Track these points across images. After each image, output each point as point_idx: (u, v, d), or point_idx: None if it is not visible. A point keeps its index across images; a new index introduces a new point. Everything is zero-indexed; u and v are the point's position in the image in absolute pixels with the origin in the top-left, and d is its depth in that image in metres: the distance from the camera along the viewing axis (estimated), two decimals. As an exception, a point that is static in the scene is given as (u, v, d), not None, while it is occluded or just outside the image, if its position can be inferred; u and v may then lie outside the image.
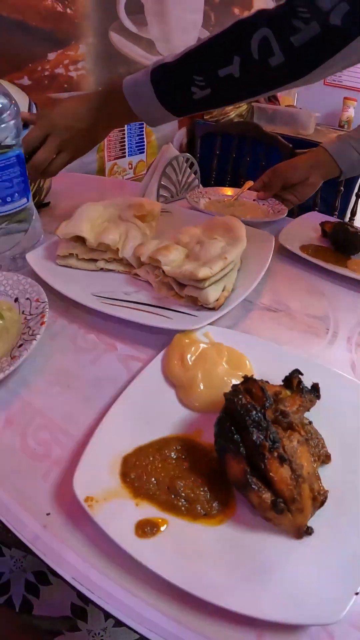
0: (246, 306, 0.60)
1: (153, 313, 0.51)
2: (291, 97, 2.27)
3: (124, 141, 1.52)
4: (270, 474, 0.31)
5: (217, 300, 0.51)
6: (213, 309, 0.51)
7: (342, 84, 2.27)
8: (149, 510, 0.33)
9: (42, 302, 0.52)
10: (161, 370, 0.44)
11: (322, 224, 0.85)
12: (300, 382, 0.39)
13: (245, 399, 0.34)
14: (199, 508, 0.33)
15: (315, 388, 0.40)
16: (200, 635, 0.29)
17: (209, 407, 0.40)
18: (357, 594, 0.29)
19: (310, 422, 0.38)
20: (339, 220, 0.88)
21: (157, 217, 0.72)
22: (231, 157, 1.52)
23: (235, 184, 1.55)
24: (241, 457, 0.32)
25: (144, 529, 0.31)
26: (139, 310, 0.52)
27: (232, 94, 0.62)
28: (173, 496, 0.33)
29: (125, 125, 1.51)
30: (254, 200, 0.96)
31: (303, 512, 0.32)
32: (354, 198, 1.33)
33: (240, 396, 0.34)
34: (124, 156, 1.59)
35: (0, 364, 0.45)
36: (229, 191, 1.00)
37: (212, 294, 0.51)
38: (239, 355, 0.45)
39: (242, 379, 0.38)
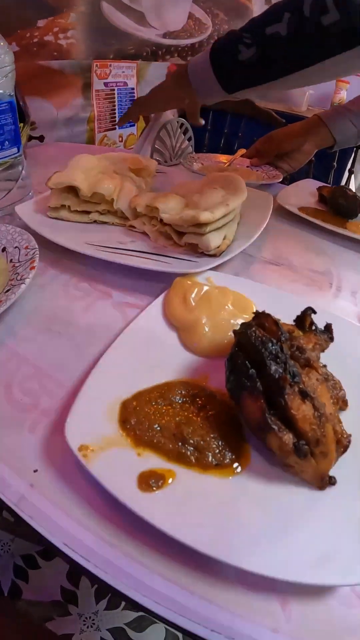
0: (247, 259, 0.54)
1: (151, 259, 0.45)
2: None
3: (115, 112, 1.42)
4: (292, 411, 0.25)
5: (218, 247, 0.45)
6: (214, 255, 0.45)
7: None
8: (153, 461, 0.27)
9: (32, 249, 0.45)
10: (162, 313, 0.37)
11: (320, 189, 0.79)
12: (312, 321, 0.33)
13: (259, 332, 0.28)
14: (210, 457, 0.27)
15: (328, 329, 0.34)
16: (214, 605, 0.24)
17: (214, 351, 0.34)
18: None
19: (324, 366, 0.32)
20: (336, 185, 0.82)
21: (152, 173, 0.64)
22: (224, 133, 1.44)
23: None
24: (258, 394, 0.26)
25: (149, 482, 0.25)
26: (136, 257, 0.45)
27: (280, 58, 0.52)
28: (180, 444, 0.27)
29: (116, 97, 1.41)
30: (247, 166, 0.89)
31: (328, 456, 0.26)
32: (346, 174, 1.27)
33: (253, 329, 0.28)
34: (114, 128, 1.49)
35: (-17, 311, 0.38)
36: (222, 158, 0.93)
37: (214, 240, 0.44)
38: (245, 299, 0.39)
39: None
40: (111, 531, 0.26)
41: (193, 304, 0.36)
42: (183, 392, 0.31)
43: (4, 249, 0.48)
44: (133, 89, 1.46)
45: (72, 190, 0.54)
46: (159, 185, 0.67)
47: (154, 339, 0.35)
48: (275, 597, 0.24)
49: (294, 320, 0.34)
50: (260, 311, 0.30)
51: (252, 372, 0.26)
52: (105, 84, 1.35)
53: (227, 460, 0.27)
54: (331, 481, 0.27)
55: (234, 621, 0.23)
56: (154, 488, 0.25)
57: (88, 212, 0.55)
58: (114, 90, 1.39)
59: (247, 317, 0.37)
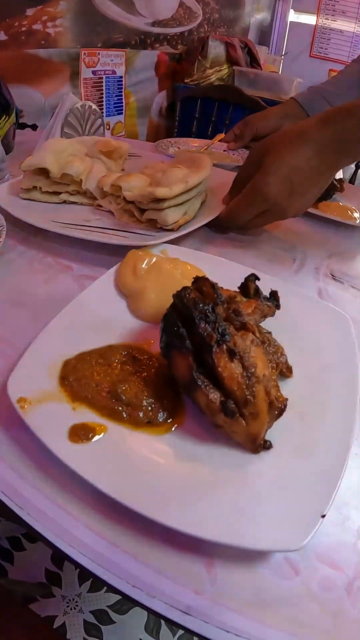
0: (211, 235, 0.54)
1: (111, 235, 0.44)
2: (275, 67, 2.13)
3: (102, 100, 1.40)
4: (219, 369, 0.25)
5: (176, 221, 0.44)
6: (172, 230, 0.44)
7: (327, 56, 2.13)
8: (86, 416, 0.27)
9: (0, 226, 0.45)
10: (113, 283, 0.37)
11: None
12: (257, 288, 0.33)
13: (194, 294, 0.28)
14: (142, 415, 0.27)
15: (273, 296, 0.34)
16: (138, 562, 0.23)
17: (159, 317, 0.34)
18: (323, 516, 0.23)
19: (269, 332, 0.32)
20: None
21: (124, 156, 0.64)
22: (211, 121, 1.42)
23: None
24: (187, 352, 0.26)
25: (79, 434, 0.26)
26: (98, 233, 0.45)
27: None
28: (113, 400, 0.27)
29: (104, 85, 1.39)
30: (224, 150, 0.88)
31: (258, 418, 0.26)
32: (353, 168, 1.26)
33: (188, 291, 0.28)
34: (102, 116, 1.47)
35: None
36: (199, 142, 0.91)
37: (172, 215, 0.44)
38: (195, 269, 0.38)
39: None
40: (42, 479, 0.26)
41: (142, 273, 0.36)
42: (124, 354, 0.31)
43: (-27, 225, 0.48)
44: (121, 77, 1.44)
45: (44, 172, 0.53)
46: (132, 167, 0.66)
47: (103, 305, 0.35)
48: (201, 559, 0.24)
49: (238, 287, 0.34)
50: (199, 276, 0.30)
51: (182, 331, 0.26)
52: (94, 72, 1.33)
53: (161, 418, 0.28)
54: (266, 445, 0.27)
55: (157, 579, 0.23)
56: (83, 440, 0.25)
57: (58, 193, 0.55)
58: (102, 78, 1.37)
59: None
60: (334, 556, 0.25)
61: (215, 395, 0.26)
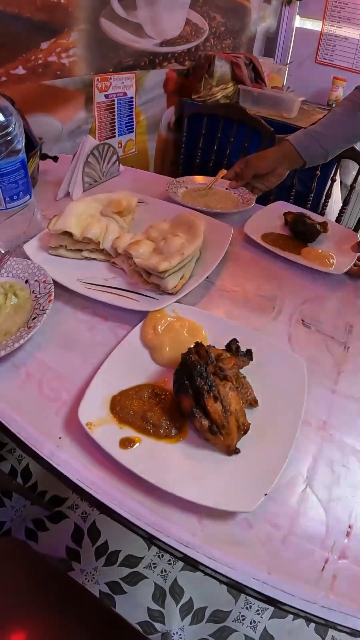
0: (208, 286, 0.73)
1: (126, 297, 0.64)
2: (280, 76, 2.28)
3: (114, 122, 1.58)
4: (207, 407, 0.45)
5: (175, 287, 0.64)
6: (172, 293, 0.64)
7: (332, 62, 2.27)
8: (128, 432, 0.47)
9: (49, 284, 0.64)
10: (139, 337, 0.57)
11: (285, 214, 0.96)
12: (238, 347, 0.53)
13: (194, 357, 0.48)
14: (162, 431, 0.48)
15: (249, 352, 0.53)
16: (158, 516, 0.43)
17: (172, 363, 0.54)
18: (265, 494, 0.43)
19: (244, 377, 0.52)
20: (299, 211, 0.99)
21: (133, 210, 0.83)
22: (216, 138, 1.59)
23: (219, 163, 1.63)
24: (189, 395, 0.46)
25: (125, 443, 0.46)
26: (116, 294, 0.65)
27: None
28: (144, 423, 0.48)
29: (116, 106, 1.56)
30: (226, 189, 1.06)
31: (230, 435, 0.46)
32: (329, 182, 1.43)
33: (190, 355, 0.48)
34: (114, 136, 1.64)
35: (19, 333, 0.57)
36: (204, 179, 1.09)
37: (171, 282, 0.64)
38: (196, 326, 0.58)
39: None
40: (107, 474, 0.46)
41: (160, 331, 0.56)
42: (150, 391, 0.51)
43: (27, 281, 0.68)
44: (132, 97, 1.61)
45: (68, 232, 0.72)
46: (142, 214, 0.86)
47: (134, 354, 0.55)
48: (194, 515, 0.44)
49: (225, 346, 0.54)
50: (198, 342, 0.50)
51: (187, 383, 0.46)
52: (106, 96, 1.51)
53: (173, 433, 0.48)
54: (236, 451, 0.47)
55: (169, 525, 0.43)
56: (128, 447, 0.45)
57: (81, 250, 0.74)
58: (114, 101, 1.55)
59: (197, 340, 0.56)
60: (276, 519, 0.45)
61: (205, 422, 0.46)
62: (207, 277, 0.71)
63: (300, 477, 0.48)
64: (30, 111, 1.29)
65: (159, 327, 0.57)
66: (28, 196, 0.74)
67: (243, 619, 1.10)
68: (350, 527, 0.45)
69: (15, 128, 0.67)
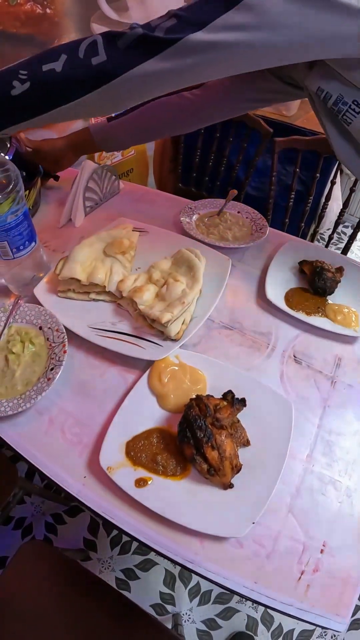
0: (208, 324, 0.90)
1: (132, 343, 0.81)
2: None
3: (111, 124, 1.69)
4: (206, 455, 0.63)
5: (177, 333, 0.81)
6: (175, 340, 0.81)
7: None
8: (141, 472, 0.65)
9: (62, 333, 0.81)
10: (147, 385, 0.75)
11: (301, 264, 1.01)
12: (233, 397, 0.70)
13: (195, 411, 0.65)
14: (169, 471, 0.66)
15: (243, 400, 0.71)
16: (167, 539, 0.62)
17: (177, 409, 0.72)
18: (253, 523, 0.61)
19: (238, 421, 0.70)
20: (315, 259, 1.00)
21: (134, 247, 0.98)
22: (215, 137, 1.71)
23: (218, 162, 1.76)
24: (191, 445, 0.64)
25: (139, 483, 0.64)
26: (123, 340, 0.81)
27: (53, 92, 0.68)
28: (155, 464, 0.66)
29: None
30: (238, 212, 1.19)
31: (225, 475, 0.64)
32: (329, 185, 1.56)
33: (192, 410, 0.65)
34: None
35: (40, 384, 0.75)
36: (215, 203, 1.21)
37: (174, 329, 0.80)
38: (198, 374, 0.76)
39: (197, 392, 0.69)
40: (126, 507, 0.64)
41: (165, 380, 0.73)
42: (158, 435, 0.69)
43: (40, 328, 0.84)
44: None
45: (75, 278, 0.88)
46: (143, 244, 1.01)
47: (142, 402, 0.73)
48: (196, 538, 0.62)
49: (222, 395, 0.71)
50: (198, 395, 0.67)
51: (189, 434, 0.64)
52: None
53: (178, 472, 0.66)
54: (230, 486, 0.65)
55: (175, 546, 0.62)
56: (142, 486, 0.64)
57: (88, 292, 0.90)
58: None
59: (199, 387, 0.74)
60: (261, 540, 0.64)
61: (204, 465, 0.63)
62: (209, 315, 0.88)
63: (283, 505, 0.67)
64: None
65: (164, 377, 0.74)
66: (33, 243, 0.88)
67: (246, 600, 1.34)
68: (324, 545, 0.64)
69: (16, 182, 0.78)
